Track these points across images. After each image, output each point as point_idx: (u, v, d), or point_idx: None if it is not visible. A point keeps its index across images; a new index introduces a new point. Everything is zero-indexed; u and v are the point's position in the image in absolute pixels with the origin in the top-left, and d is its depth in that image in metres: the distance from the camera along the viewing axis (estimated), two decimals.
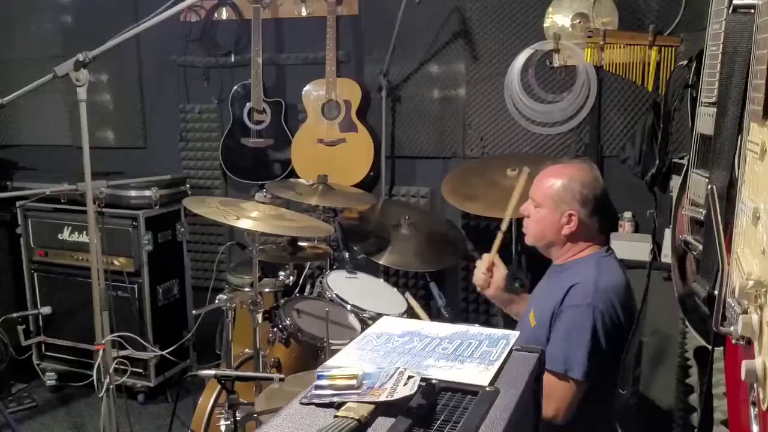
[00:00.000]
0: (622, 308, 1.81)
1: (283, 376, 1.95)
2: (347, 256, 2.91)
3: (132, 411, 3.20)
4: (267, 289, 2.70)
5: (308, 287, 2.85)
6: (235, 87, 3.49)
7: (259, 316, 2.23)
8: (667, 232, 2.36)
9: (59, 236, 3.45)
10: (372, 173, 3.35)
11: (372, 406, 0.86)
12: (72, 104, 3.81)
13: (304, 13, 3.44)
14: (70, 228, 3.42)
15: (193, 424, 2.50)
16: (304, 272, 2.89)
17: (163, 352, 3.21)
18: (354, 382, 0.92)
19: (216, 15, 3.56)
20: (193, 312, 2.42)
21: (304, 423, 0.87)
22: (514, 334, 1.11)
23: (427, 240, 3.04)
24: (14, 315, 3.41)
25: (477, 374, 0.97)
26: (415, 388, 0.88)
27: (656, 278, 2.18)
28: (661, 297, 2.16)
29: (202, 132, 3.70)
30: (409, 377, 0.91)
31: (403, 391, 0.88)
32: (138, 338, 3.18)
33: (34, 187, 3.45)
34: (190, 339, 3.47)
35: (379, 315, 2.56)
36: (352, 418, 0.83)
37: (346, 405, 0.87)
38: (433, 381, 0.90)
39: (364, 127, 3.32)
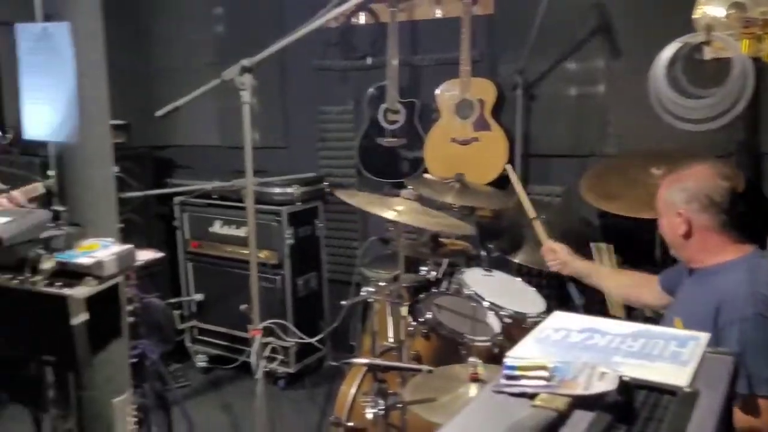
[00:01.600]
0: None
1: (431, 369, 2.01)
2: (483, 254, 2.93)
3: (273, 395, 3.40)
4: (410, 284, 2.77)
5: (445, 284, 2.90)
6: (371, 89, 3.61)
7: (404, 310, 2.31)
8: None
9: (210, 229, 3.74)
10: (506, 172, 3.34)
11: (568, 399, 0.88)
12: (221, 108, 4.10)
13: (438, 14, 3.50)
14: (220, 222, 3.69)
15: (336, 410, 2.63)
16: (442, 268, 2.95)
17: (312, 340, 3.37)
18: (545, 373, 0.94)
19: (354, 20, 3.69)
20: (342, 303, 2.54)
21: (499, 411, 0.90)
22: (704, 336, 1.10)
23: (563, 239, 2.99)
24: (171, 300, 3.73)
25: (671, 374, 0.95)
26: (613, 384, 0.89)
27: None
28: None
29: (339, 132, 3.85)
30: (603, 373, 0.93)
31: (600, 386, 0.90)
32: (284, 326, 3.36)
33: (189, 184, 3.76)
34: (326, 329, 3.64)
35: (518, 313, 2.58)
36: (551, 408, 0.86)
37: (540, 396, 0.90)
38: (626, 378, 0.91)
39: (498, 126, 3.33)
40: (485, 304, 2.56)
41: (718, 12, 2.83)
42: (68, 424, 2.48)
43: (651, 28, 3.00)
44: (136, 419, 2.37)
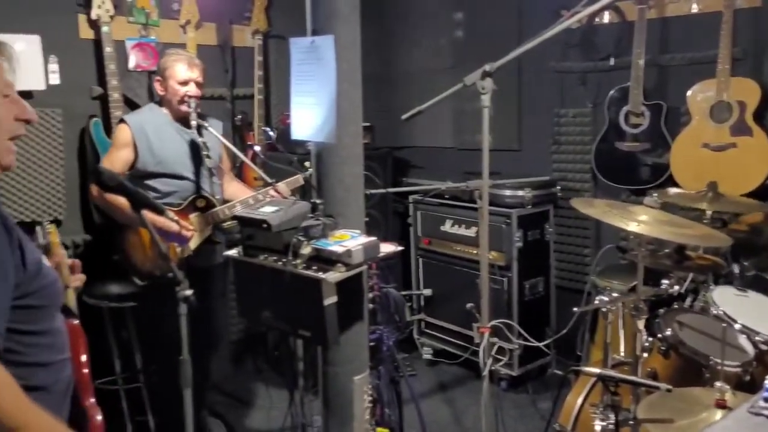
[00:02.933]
0: None
1: (670, 387, 1.89)
2: (737, 271, 2.66)
3: (494, 395, 3.44)
4: (649, 296, 2.62)
5: (688, 300, 2.69)
6: (612, 90, 3.46)
7: (641, 323, 2.19)
8: None
9: (441, 228, 3.89)
10: None
11: None
12: (455, 111, 4.25)
13: (695, 9, 3.24)
14: (451, 221, 3.83)
15: (561, 418, 2.58)
16: (686, 284, 2.73)
17: (540, 344, 3.35)
18: None
19: (597, 19, 3.58)
20: (574, 309, 2.49)
21: (756, 431, 0.84)
22: None
23: None
24: (402, 293, 3.95)
25: None
26: None
27: None
28: None
29: (575, 135, 3.76)
30: None
31: None
32: (510, 327, 3.38)
33: (423, 184, 3.95)
34: (552, 335, 3.58)
35: None
36: None
37: None
38: None
39: (762, 131, 2.98)
40: (737, 326, 2.33)
41: None
42: (315, 395, 2.78)
43: None
44: (371, 398, 2.57)
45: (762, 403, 0.88)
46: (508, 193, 3.60)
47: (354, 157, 2.36)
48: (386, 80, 4.57)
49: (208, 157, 2.72)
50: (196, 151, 2.78)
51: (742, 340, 2.32)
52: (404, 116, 2.56)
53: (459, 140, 4.27)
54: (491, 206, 3.53)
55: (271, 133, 3.56)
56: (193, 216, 2.76)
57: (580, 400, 2.54)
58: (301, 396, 2.88)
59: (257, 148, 3.29)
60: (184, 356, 2.04)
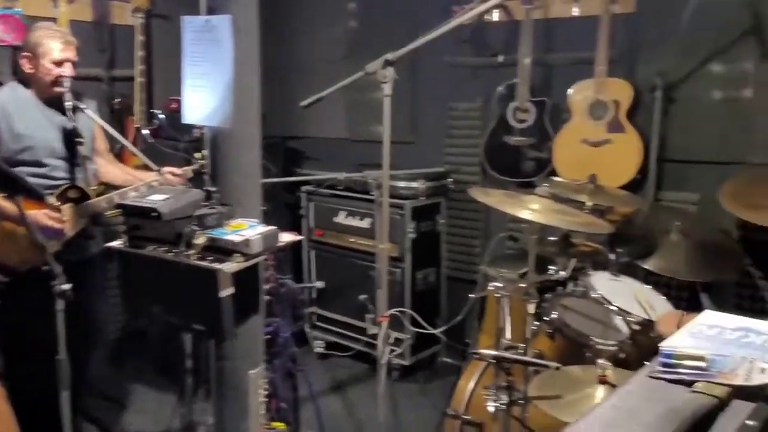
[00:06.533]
0: None
1: (559, 365, 1.99)
2: (612, 258, 2.85)
3: (388, 386, 3.48)
4: (538, 282, 2.73)
5: (570, 285, 2.85)
6: (501, 87, 3.60)
7: (531, 307, 2.30)
8: None
9: (335, 219, 3.88)
10: (639, 176, 3.23)
11: (728, 389, 0.87)
12: (350, 101, 4.24)
13: (576, 12, 3.44)
14: (345, 212, 3.82)
15: (453, 403, 2.66)
16: (570, 270, 2.90)
17: (436, 331, 3.41)
18: (703, 363, 0.94)
19: (487, 17, 3.70)
20: (470, 296, 2.56)
21: (659, 394, 0.91)
22: None
23: (698, 248, 2.86)
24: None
25: None
26: None
27: None
28: None
29: (467, 129, 3.86)
30: (763, 368, 0.90)
31: (761, 378, 0.88)
32: (405, 317, 3.43)
33: (317, 175, 3.92)
34: (446, 326, 3.67)
35: (647, 321, 2.49)
36: (711, 395, 0.85)
37: (697, 384, 0.90)
38: None
39: (633, 129, 3.22)
40: (613, 308, 2.50)
41: None
42: (205, 392, 2.68)
43: None
44: (266, 393, 2.51)
45: (659, 368, 0.95)
46: (402, 184, 3.65)
47: (251, 143, 2.30)
48: (278, 69, 4.48)
49: (81, 143, 2.51)
50: (67, 137, 2.53)
51: (618, 321, 2.49)
52: (303, 103, 2.51)
53: (353, 131, 4.27)
54: None
55: (161, 116, 3.39)
56: (65, 208, 2.50)
57: (472, 384, 2.63)
58: (190, 395, 2.76)
59: (146, 132, 3.11)
60: (61, 356, 1.90)
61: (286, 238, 2.30)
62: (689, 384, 0.90)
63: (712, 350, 0.99)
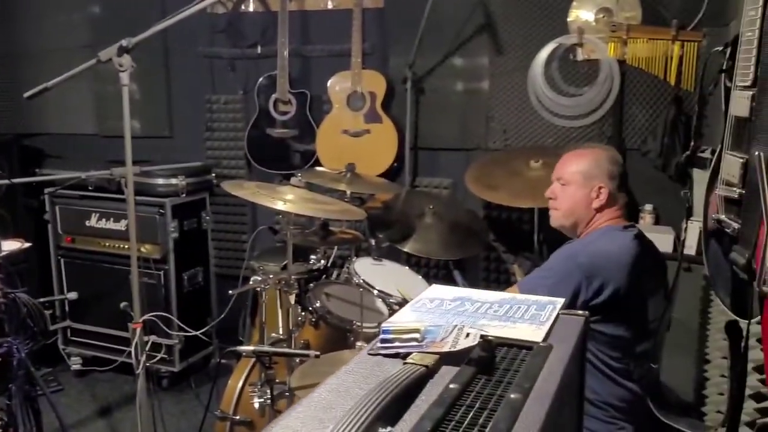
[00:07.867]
0: (609, 277, 1.82)
1: (318, 353, 2.00)
2: (373, 243, 2.96)
3: (156, 395, 3.26)
4: (299, 272, 2.74)
5: (335, 273, 2.90)
6: (261, 78, 3.54)
7: (292, 298, 2.29)
8: (690, 226, 2.41)
9: (87, 223, 3.52)
10: (396, 164, 3.40)
11: (437, 356, 0.92)
12: (97, 93, 3.89)
13: (330, 5, 3.50)
14: (98, 215, 3.49)
15: (222, 404, 2.56)
16: (331, 258, 2.94)
17: (198, 332, 3.26)
18: (417, 335, 0.98)
19: (243, 7, 3.62)
20: (230, 292, 2.46)
21: (375, 370, 0.93)
22: (560, 300, 1.17)
23: (450, 229, 3.09)
24: (41, 300, 3.47)
25: (530, 332, 1.04)
26: (476, 341, 0.93)
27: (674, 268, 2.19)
28: (681, 289, 2.21)
29: (228, 122, 3.76)
30: (468, 333, 0.96)
31: (465, 343, 0.94)
32: (168, 321, 3.23)
33: (57, 174, 3.52)
34: (213, 326, 3.54)
35: (405, 300, 2.62)
36: (420, 365, 0.88)
37: (412, 355, 0.93)
38: (490, 337, 0.95)
39: (389, 119, 3.37)
40: (375, 291, 2.59)
41: (588, 16, 3.02)
42: None
43: (531, 28, 3.15)
44: (1, 423, 2.20)
45: (379, 344, 0.97)
46: (160, 181, 3.43)
47: None
48: (8, 58, 3.96)
49: None
50: None
51: (379, 304, 2.59)
52: (27, 94, 2.24)
53: (102, 126, 3.92)
54: (143, 196, 3.33)
55: None
56: None
57: (240, 383, 2.55)
58: None
59: None
60: None
61: (11, 246, 2.02)
62: (405, 357, 0.93)
63: (429, 322, 1.04)
